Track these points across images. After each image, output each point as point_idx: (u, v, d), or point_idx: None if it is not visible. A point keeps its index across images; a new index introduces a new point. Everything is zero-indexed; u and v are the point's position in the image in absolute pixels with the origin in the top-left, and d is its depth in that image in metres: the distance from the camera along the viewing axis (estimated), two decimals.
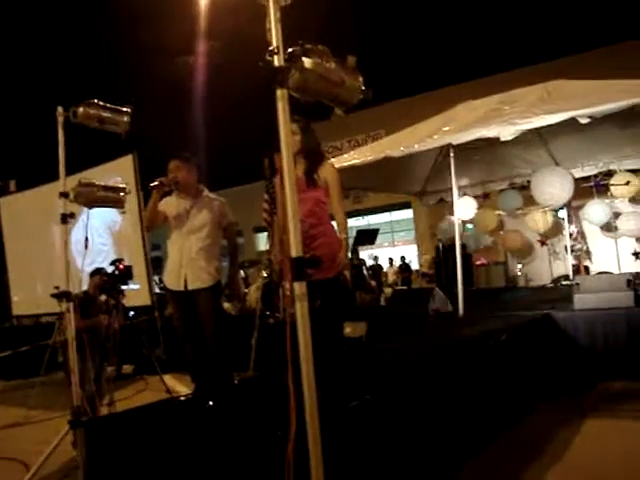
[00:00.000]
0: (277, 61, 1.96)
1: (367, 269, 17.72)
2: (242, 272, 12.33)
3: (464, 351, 4.98)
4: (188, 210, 5.43)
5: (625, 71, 8.62)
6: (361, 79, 2.24)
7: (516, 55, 21.07)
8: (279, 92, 1.93)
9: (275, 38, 1.94)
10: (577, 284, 6.79)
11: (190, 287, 5.32)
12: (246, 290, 11.57)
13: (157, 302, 9.63)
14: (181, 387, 7.48)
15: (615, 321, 6.62)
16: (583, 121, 6.61)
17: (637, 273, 9.62)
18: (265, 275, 10.37)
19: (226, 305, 12.27)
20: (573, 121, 6.71)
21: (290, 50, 2.02)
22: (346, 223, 4.65)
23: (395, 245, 27.11)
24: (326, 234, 4.52)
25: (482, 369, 5.01)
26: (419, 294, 8.37)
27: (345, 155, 9.02)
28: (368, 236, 11.34)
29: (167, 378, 7.68)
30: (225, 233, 5.68)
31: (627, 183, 10.02)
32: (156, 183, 5.18)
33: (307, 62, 1.97)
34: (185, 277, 5.32)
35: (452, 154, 7.41)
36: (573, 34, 20.92)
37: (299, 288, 1.95)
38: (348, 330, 7.38)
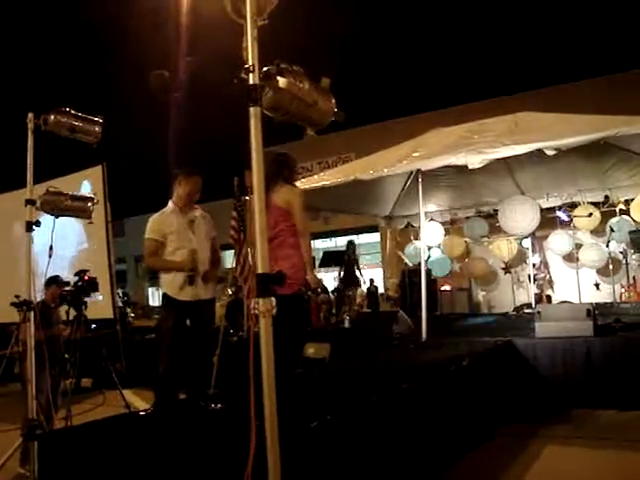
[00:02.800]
0: (252, 79, 1.97)
1: (332, 292, 17.78)
2: None
3: (425, 375, 5.00)
4: (192, 223, 5.40)
5: (595, 105, 8.88)
6: (334, 101, 2.27)
7: (488, 86, 21.45)
8: (252, 110, 1.93)
9: (251, 56, 1.95)
10: (538, 312, 6.88)
11: (203, 297, 5.26)
12: None
13: (120, 315, 9.52)
14: (140, 402, 7.37)
15: (575, 350, 6.72)
16: (550, 153, 6.76)
17: (597, 303, 9.84)
18: (230, 293, 10.32)
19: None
20: (539, 152, 6.87)
21: (265, 69, 2.04)
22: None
23: (362, 268, 27.09)
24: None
25: (443, 394, 5.03)
26: (383, 317, 8.40)
27: (315, 176, 9.07)
28: (334, 258, 11.33)
29: (126, 393, 7.54)
30: (212, 246, 5.61)
31: (589, 215, 10.24)
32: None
33: (282, 81, 1.99)
34: (198, 287, 5.23)
35: (420, 179, 7.49)
36: (544, 67, 21.37)
37: (263, 305, 1.96)
38: (311, 351, 7.38)
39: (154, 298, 28.38)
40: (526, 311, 9.86)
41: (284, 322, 4.18)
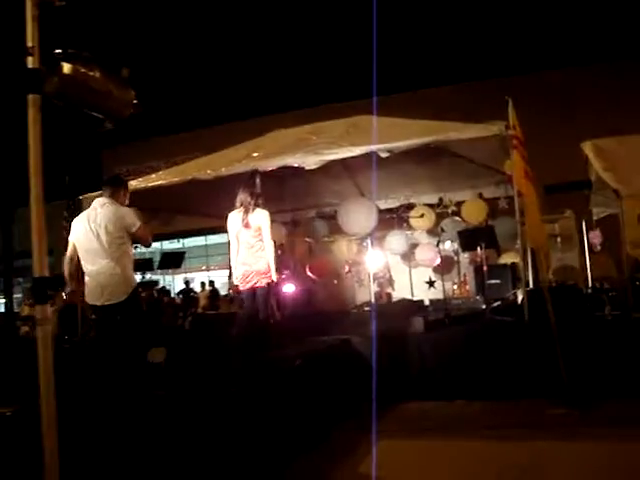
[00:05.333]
0: (32, 63, 1.76)
1: (177, 294, 17.40)
2: None
3: (255, 376, 4.95)
4: None
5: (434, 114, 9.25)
6: (133, 92, 2.13)
7: (338, 89, 21.94)
8: (31, 98, 1.72)
9: (31, 37, 1.76)
10: (373, 310, 7.07)
11: None
12: None
13: None
14: None
15: (408, 345, 6.98)
16: (383, 155, 6.99)
17: (431, 300, 10.33)
18: (65, 297, 9.76)
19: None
20: (377, 155, 7.07)
21: (49, 54, 1.86)
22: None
23: (211, 269, 26.82)
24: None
25: (274, 394, 5.00)
26: (223, 319, 8.26)
27: (153, 175, 8.74)
28: (173, 259, 11.01)
29: None
30: None
31: (421, 216, 10.71)
32: None
33: (66, 67, 1.81)
34: None
35: (258, 180, 7.46)
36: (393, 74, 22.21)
37: (40, 312, 1.78)
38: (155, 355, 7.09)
39: None
40: (366, 309, 10.11)
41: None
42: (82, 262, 5.28)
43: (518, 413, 6.17)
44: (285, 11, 24.33)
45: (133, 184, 8.62)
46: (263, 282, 6.50)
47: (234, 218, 6.62)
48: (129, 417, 3.59)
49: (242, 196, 6.59)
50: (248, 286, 6.53)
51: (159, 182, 8.07)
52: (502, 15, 21.84)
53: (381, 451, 5.33)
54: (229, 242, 6.89)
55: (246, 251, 6.52)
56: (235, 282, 6.68)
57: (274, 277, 6.58)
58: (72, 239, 5.36)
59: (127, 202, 5.59)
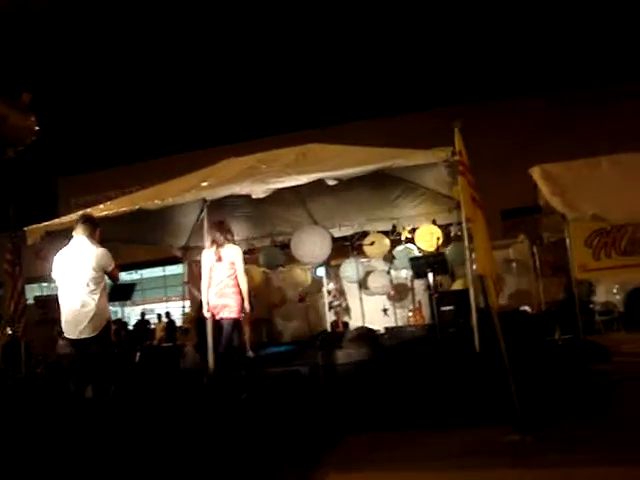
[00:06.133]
0: None
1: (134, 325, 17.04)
2: None
3: (193, 416, 4.79)
4: None
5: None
6: (34, 119, 2.02)
7: (297, 119, 22.05)
8: None
9: None
10: (322, 340, 6.98)
11: None
12: None
13: None
14: None
15: (358, 375, 6.87)
16: (330, 183, 6.93)
17: (386, 328, 10.26)
18: (10, 332, 9.45)
19: None
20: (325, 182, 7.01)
21: None
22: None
23: (169, 300, 26.38)
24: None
25: (219, 429, 4.85)
26: (170, 352, 8.07)
27: (101, 205, 8.55)
28: (123, 291, 10.74)
29: None
30: None
31: (372, 243, 10.71)
32: None
33: None
34: None
35: (205, 209, 7.35)
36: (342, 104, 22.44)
37: None
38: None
39: None
40: (318, 338, 9.98)
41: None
42: (60, 297, 5.55)
43: (471, 441, 6.07)
44: (237, 40, 24.47)
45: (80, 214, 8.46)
46: (231, 315, 6.77)
47: (207, 254, 6.97)
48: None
49: (213, 233, 6.96)
50: (217, 317, 6.83)
51: (105, 212, 7.87)
52: (453, 44, 22.28)
53: None
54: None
55: (217, 285, 6.83)
56: (206, 314, 6.93)
57: (247, 309, 6.93)
58: (53, 275, 5.62)
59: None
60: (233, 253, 6.89)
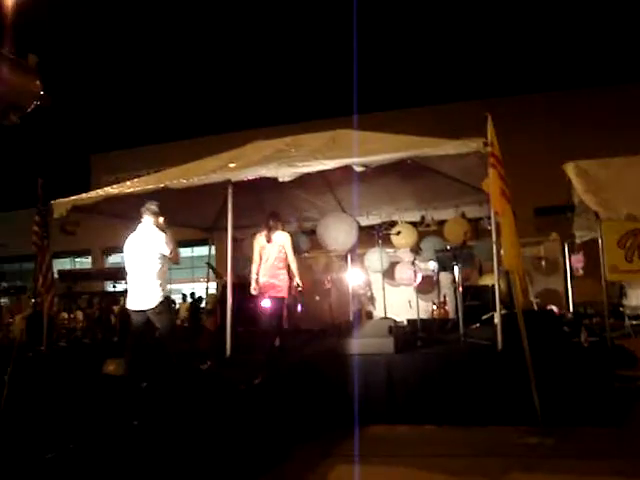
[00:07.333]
0: None
1: None
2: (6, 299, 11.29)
3: (209, 395, 4.73)
4: None
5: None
6: (38, 82, 1.92)
7: (329, 106, 21.92)
8: None
9: None
10: (343, 330, 6.88)
11: None
12: (11, 319, 10.53)
13: None
14: None
15: (376, 367, 6.77)
16: (358, 169, 6.77)
17: (409, 320, 10.11)
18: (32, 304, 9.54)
19: None
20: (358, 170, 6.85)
21: None
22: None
23: (196, 281, 26.47)
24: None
25: (229, 414, 4.78)
26: (188, 333, 8.04)
27: (128, 182, 8.52)
28: None
29: None
30: None
31: (398, 233, 10.52)
32: None
33: None
34: None
35: (230, 190, 7.26)
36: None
37: None
38: (111, 368, 6.86)
39: None
40: (341, 327, 9.86)
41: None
42: (128, 274, 6.25)
43: (488, 440, 5.97)
44: (276, 28, 24.37)
45: (108, 190, 8.43)
46: (278, 294, 7.30)
47: (259, 237, 7.53)
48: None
49: (266, 219, 7.57)
50: (272, 294, 7.31)
51: (131, 189, 7.84)
52: (488, 37, 21.94)
53: (338, 475, 5.14)
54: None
55: (266, 266, 7.34)
56: (254, 292, 7.36)
57: (299, 284, 7.47)
58: (123, 255, 6.37)
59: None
60: (283, 238, 7.42)
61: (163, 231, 6.27)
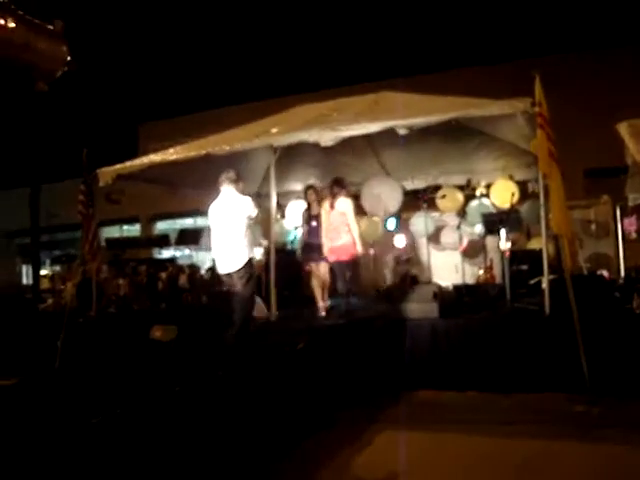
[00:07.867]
0: None
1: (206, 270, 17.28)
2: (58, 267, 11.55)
3: (252, 359, 4.77)
4: None
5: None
6: (65, 48, 1.89)
7: (373, 69, 21.55)
8: None
9: None
10: (386, 294, 6.83)
11: None
12: (63, 286, 10.79)
13: None
14: None
15: (421, 331, 6.72)
16: (402, 132, 6.62)
17: (455, 285, 9.99)
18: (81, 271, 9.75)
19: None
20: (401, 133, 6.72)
21: None
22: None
23: None
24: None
25: (273, 377, 4.81)
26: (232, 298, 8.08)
27: (171, 150, 8.54)
28: (192, 237, 10.81)
29: None
30: None
31: (443, 197, 10.35)
32: None
33: None
34: None
35: (273, 156, 7.22)
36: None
37: None
38: (158, 334, 6.98)
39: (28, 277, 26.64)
40: (386, 292, 9.82)
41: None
42: (213, 239, 6.42)
43: (533, 408, 5.88)
44: None
45: (151, 158, 8.48)
46: (341, 258, 7.67)
47: (325, 204, 7.93)
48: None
49: (329, 186, 8.00)
50: (333, 258, 7.74)
51: (175, 156, 7.86)
52: None
53: (384, 441, 5.14)
54: None
55: (330, 230, 7.71)
56: (326, 253, 7.77)
57: (359, 250, 7.73)
58: (209, 220, 6.55)
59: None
60: (345, 204, 7.73)
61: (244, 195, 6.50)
